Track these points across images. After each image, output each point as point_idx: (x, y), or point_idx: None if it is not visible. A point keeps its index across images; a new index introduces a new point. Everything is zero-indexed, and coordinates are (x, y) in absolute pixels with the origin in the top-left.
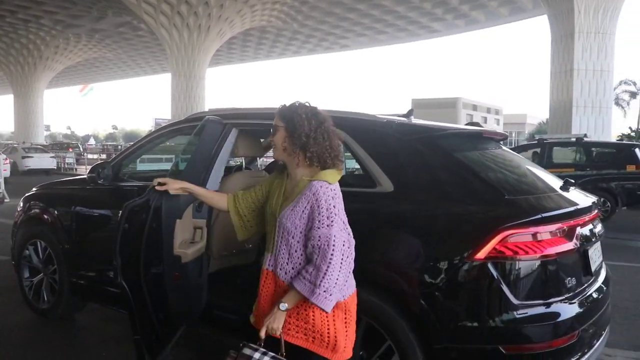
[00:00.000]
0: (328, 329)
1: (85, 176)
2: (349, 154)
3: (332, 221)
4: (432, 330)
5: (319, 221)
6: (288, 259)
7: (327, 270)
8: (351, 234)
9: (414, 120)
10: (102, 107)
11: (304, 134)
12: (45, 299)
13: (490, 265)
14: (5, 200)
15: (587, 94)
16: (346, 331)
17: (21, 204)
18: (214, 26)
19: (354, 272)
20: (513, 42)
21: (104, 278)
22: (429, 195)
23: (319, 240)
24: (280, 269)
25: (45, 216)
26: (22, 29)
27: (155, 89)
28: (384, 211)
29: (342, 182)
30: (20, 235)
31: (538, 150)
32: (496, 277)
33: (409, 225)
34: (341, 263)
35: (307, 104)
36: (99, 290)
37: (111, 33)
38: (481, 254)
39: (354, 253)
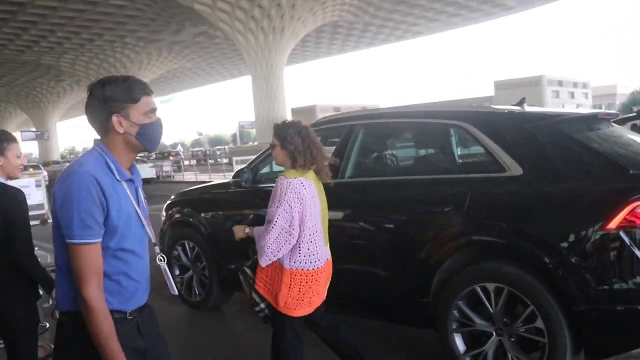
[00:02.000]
0: (272, 285)
1: (227, 181)
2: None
3: (280, 203)
4: (572, 295)
5: (273, 202)
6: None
7: (266, 235)
8: (295, 218)
9: (528, 108)
10: (186, 115)
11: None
12: (197, 292)
13: (622, 234)
14: (49, 221)
15: None
16: (288, 293)
17: (164, 212)
18: (287, 26)
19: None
20: (591, 12)
21: None
22: (557, 175)
23: (269, 215)
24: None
25: (192, 219)
26: (109, 50)
27: (235, 92)
28: (517, 192)
29: (472, 169)
30: (168, 238)
31: (638, 122)
32: (628, 244)
33: (542, 203)
34: (278, 234)
35: (295, 122)
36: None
37: (189, 44)
38: (613, 224)
39: (294, 231)
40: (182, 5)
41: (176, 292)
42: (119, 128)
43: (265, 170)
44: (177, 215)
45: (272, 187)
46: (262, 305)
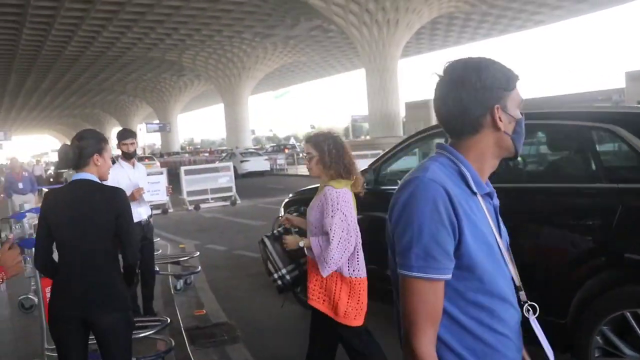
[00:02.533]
0: (329, 295)
1: None
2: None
3: (334, 213)
4: None
5: (327, 213)
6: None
7: (328, 246)
8: (351, 226)
9: None
10: (300, 109)
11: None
12: None
13: None
14: (237, 203)
15: None
16: (348, 302)
17: (282, 210)
18: (402, 19)
19: None
20: None
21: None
22: None
23: (325, 226)
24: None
25: None
26: (228, 45)
27: (348, 85)
28: None
29: (622, 178)
30: None
31: None
32: None
33: None
34: (337, 244)
35: (330, 134)
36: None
37: (304, 38)
38: None
39: (351, 239)
40: (296, 0)
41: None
42: (499, 124)
43: (390, 169)
44: (295, 215)
45: (395, 189)
46: (276, 276)
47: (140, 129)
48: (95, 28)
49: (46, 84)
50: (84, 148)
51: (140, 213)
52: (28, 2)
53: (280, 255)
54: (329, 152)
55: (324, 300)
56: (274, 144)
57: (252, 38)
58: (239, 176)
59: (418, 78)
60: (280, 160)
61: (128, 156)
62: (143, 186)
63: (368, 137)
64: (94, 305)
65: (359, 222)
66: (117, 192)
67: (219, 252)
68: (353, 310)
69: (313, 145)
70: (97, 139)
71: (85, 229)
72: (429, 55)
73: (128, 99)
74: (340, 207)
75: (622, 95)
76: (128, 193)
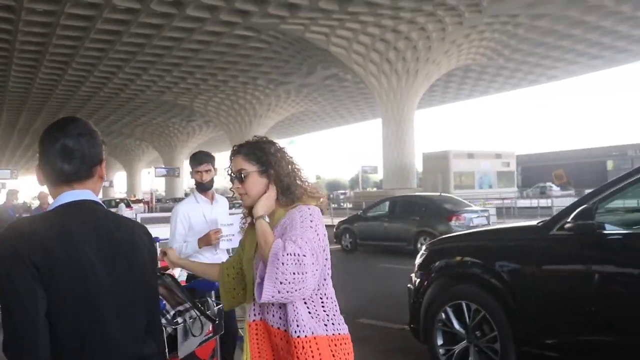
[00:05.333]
0: None
1: (532, 224)
2: None
3: (304, 230)
4: None
5: (291, 230)
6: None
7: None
8: (325, 252)
9: None
10: (305, 158)
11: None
12: None
13: None
14: None
15: None
16: None
17: (422, 259)
18: (421, 69)
19: None
20: None
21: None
22: None
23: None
24: (268, 312)
25: (479, 271)
26: (241, 91)
27: (356, 136)
28: None
29: None
30: (430, 296)
31: None
32: None
33: None
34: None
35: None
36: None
37: (318, 87)
38: None
39: (319, 268)
40: (318, 47)
41: None
42: None
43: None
44: (449, 267)
45: (622, 234)
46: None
47: (149, 172)
48: (112, 69)
49: None
50: (93, 148)
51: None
52: (50, 41)
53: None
54: (277, 163)
55: None
56: None
57: (266, 85)
58: None
59: (428, 130)
60: None
61: (203, 188)
62: (222, 226)
63: (375, 189)
64: None
65: (577, 278)
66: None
67: None
68: None
69: (250, 156)
70: (99, 137)
71: (126, 291)
72: (440, 108)
73: (134, 143)
74: (315, 225)
75: (637, 150)
76: (201, 235)
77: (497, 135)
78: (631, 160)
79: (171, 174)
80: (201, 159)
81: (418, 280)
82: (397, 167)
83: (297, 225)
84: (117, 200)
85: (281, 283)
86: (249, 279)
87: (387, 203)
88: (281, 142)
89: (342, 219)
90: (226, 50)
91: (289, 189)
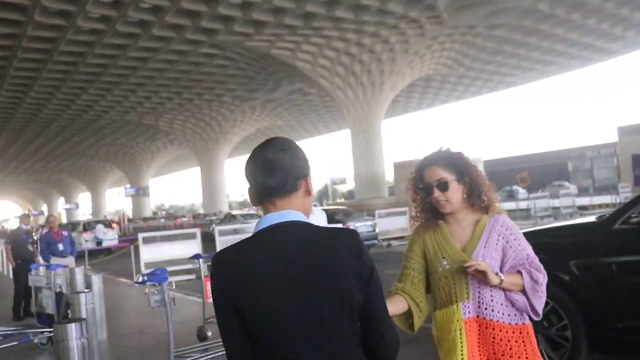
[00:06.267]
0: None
1: (586, 221)
2: None
3: (521, 243)
4: None
5: (520, 244)
6: (491, 295)
7: (544, 279)
8: None
9: None
10: None
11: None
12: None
13: None
14: None
15: None
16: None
17: None
18: (387, 80)
19: None
20: None
21: None
22: None
23: (528, 258)
24: (487, 309)
25: (547, 266)
26: (206, 108)
27: (322, 149)
28: None
29: None
30: None
31: None
32: None
33: None
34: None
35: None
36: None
37: (283, 101)
38: None
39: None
40: (283, 63)
41: None
42: None
43: None
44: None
45: None
46: None
47: (119, 192)
48: (75, 90)
49: (15, 148)
50: (297, 161)
51: None
52: (10, 64)
53: None
54: (467, 171)
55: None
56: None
57: (231, 101)
58: None
59: (396, 139)
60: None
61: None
62: None
63: (343, 200)
64: None
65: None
66: (355, 235)
67: None
68: None
69: (449, 165)
70: (303, 153)
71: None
72: (405, 117)
73: (98, 164)
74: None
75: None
76: None
77: (462, 142)
78: (590, 161)
79: (141, 193)
80: None
81: None
82: (368, 178)
83: (523, 241)
84: (92, 221)
85: (540, 297)
86: (448, 282)
87: None
88: (245, 159)
89: None
90: (192, 68)
91: (482, 194)
